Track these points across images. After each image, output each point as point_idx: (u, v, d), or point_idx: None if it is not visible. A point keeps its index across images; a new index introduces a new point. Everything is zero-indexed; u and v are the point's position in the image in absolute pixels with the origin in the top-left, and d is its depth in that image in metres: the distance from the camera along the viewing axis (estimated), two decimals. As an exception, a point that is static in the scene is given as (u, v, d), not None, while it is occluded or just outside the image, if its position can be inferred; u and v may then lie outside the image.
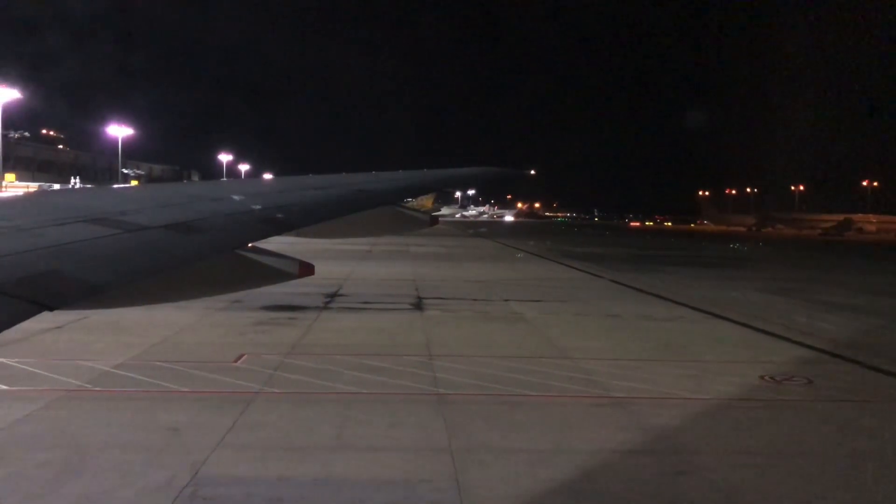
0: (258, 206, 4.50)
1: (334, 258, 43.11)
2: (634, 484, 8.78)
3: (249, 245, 3.90)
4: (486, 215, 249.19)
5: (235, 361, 14.94)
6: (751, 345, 18.47)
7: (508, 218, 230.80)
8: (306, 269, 4.11)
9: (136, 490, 8.21)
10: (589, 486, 8.72)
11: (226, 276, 3.93)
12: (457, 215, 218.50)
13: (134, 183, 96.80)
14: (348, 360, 15.20)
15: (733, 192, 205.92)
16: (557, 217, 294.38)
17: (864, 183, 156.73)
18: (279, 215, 4.37)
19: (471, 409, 11.74)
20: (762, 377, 14.48)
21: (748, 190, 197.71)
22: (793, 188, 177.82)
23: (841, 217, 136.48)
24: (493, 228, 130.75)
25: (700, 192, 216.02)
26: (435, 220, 6.88)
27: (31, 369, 13.67)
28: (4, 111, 64.98)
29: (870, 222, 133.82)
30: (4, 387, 12.50)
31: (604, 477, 9.00)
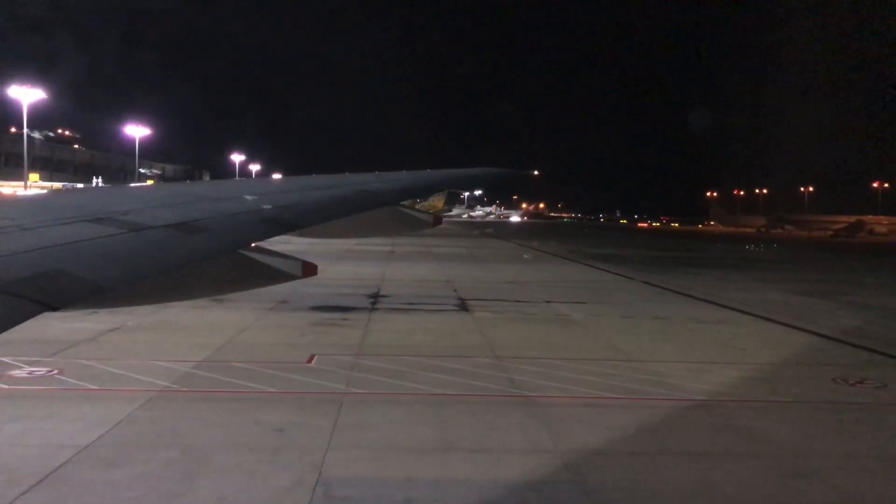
0: (268, 206, 4.52)
1: (361, 259, 43.32)
2: (755, 487, 8.85)
3: (253, 245, 3.91)
4: (492, 216, 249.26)
5: (308, 362, 15.04)
6: (808, 347, 18.54)
7: (515, 218, 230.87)
8: (310, 270, 4.12)
9: (269, 490, 8.30)
10: (708, 488, 8.79)
11: (230, 275, 3.95)
12: (464, 216, 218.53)
13: (150, 182, 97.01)
14: (418, 360, 15.29)
15: (741, 193, 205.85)
16: (563, 218, 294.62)
17: (875, 184, 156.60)
18: (283, 215, 4.38)
19: (562, 412, 11.82)
20: (834, 380, 14.55)
21: (756, 191, 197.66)
22: (802, 189, 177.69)
23: (852, 219, 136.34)
24: (502, 229, 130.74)
25: (708, 193, 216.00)
26: (438, 221, 6.87)
27: (112, 370, 13.78)
28: (20, 110, 65.22)
29: (881, 224, 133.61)
30: (93, 387, 12.61)
31: (721, 480, 9.05)
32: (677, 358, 16.54)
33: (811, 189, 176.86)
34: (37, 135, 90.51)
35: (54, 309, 2.28)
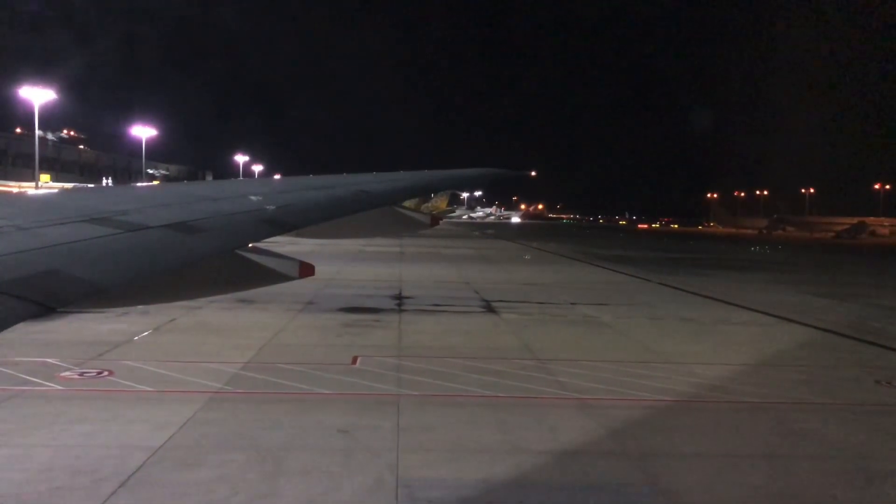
0: (266, 206, 4.52)
1: (373, 260, 43.37)
2: (833, 490, 8.91)
3: (250, 245, 3.92)
4: (492, 216, 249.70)
5: (353, 363, 15.08)
6: (841, 349, 18.61)
7: (515, 219, 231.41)
8: (307, 270, 4.09)
9: (353, 492, 8.34)
10: (785, 491, 8.86)
11: (226, 276, 3.93)
12: (464, 216, 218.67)
13: (156, 182, 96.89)
14: (460, 362, 15.34)
15: (742, 194, 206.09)
16: (562, 219, 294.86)
17: (877, 186, 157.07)
18: (280, 216, 4.37)
19: (618, 414, 11.87)
20: (878, 382, 14.62)
21: (757, 192, 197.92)
22: (802, 190, 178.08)
23: (854, 220, 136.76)
24: (503, 230, 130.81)
25: (709, 194, 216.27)
26: (436, 221, 6.80)
27: (161, 371, 13.81)
28: (26, 110, 65.17)
29: (882, 225, 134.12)
30: (148, 388, 12.64)
31: (795, 483, 9.12)
32: (715, 360, 16.60)
33: (812, 190, 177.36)
34: (49, 136, 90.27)
35: (51, 309, 2.29)
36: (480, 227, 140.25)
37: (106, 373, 13.55)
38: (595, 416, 11.70)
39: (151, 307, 20.51)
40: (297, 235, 5.23)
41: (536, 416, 11.62)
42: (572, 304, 26.18)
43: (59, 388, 12.55)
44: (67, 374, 13.44)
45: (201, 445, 9.72)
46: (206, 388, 12.65)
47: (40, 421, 10.55)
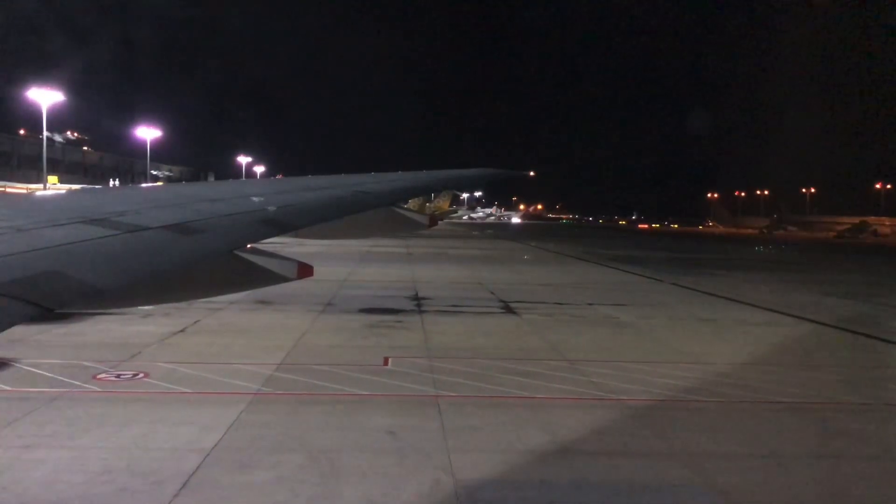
0: (264, 207, 4.51)
1: (383, 261, 43.41)
2: (886, 489, 8.95)
3: (249, 246, 3.91)
4: (492, 217, 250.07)
5: (384, 364, 15.11)
6: (865, 349, 18.67)
7: (515, 219, 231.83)
8: (305, 271, 4.07)
9: (413, 493, 8.35)
10: (838, 490, 8.89)
11: (224, 277, 3.92)
12: (464, 217, 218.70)
13: (160, 184, 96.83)
14: (491, 363, 15.36)
15: (742, 194, 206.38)
16: (562, 219, 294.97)
17: (878, 185, 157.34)
18: (278, 216, 4.36)
19: (658, 415, 11.91)
20: (910, 382, 14.69)
21: (758, 192, 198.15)
22: (803, 190, 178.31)
23: (856, 220, 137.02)
24: (504, 230, 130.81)
25: (709, 194, 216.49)
26: (434, 222, 6.72)
27: (196, 373, 13.82)
28: (29, 112, 65.19)
29: (884, 225, 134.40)
30: (187, 390, 12.65)
31: (850, 483, 9.15)
32: (742, 359, 16.62)
33: (813, 190, 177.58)
34: (57, 137, 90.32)
35: (50, 310, 2.29)
36: (480, 228, 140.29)
37: (142, 374, 13.56)
38: (636, 416, 11.74)
39: (173, 309, 20.60)
40: (296, 236, 5.23)
41: (578, 416, 11.64)
42: (589, 304, 26.23)
43: (98, 390, 12.56)
44: (103, 375, 13.45)
45: (253, 447, 9.73)
46: (246, 389, 12.66)
47: (88, 423, 10.55)
